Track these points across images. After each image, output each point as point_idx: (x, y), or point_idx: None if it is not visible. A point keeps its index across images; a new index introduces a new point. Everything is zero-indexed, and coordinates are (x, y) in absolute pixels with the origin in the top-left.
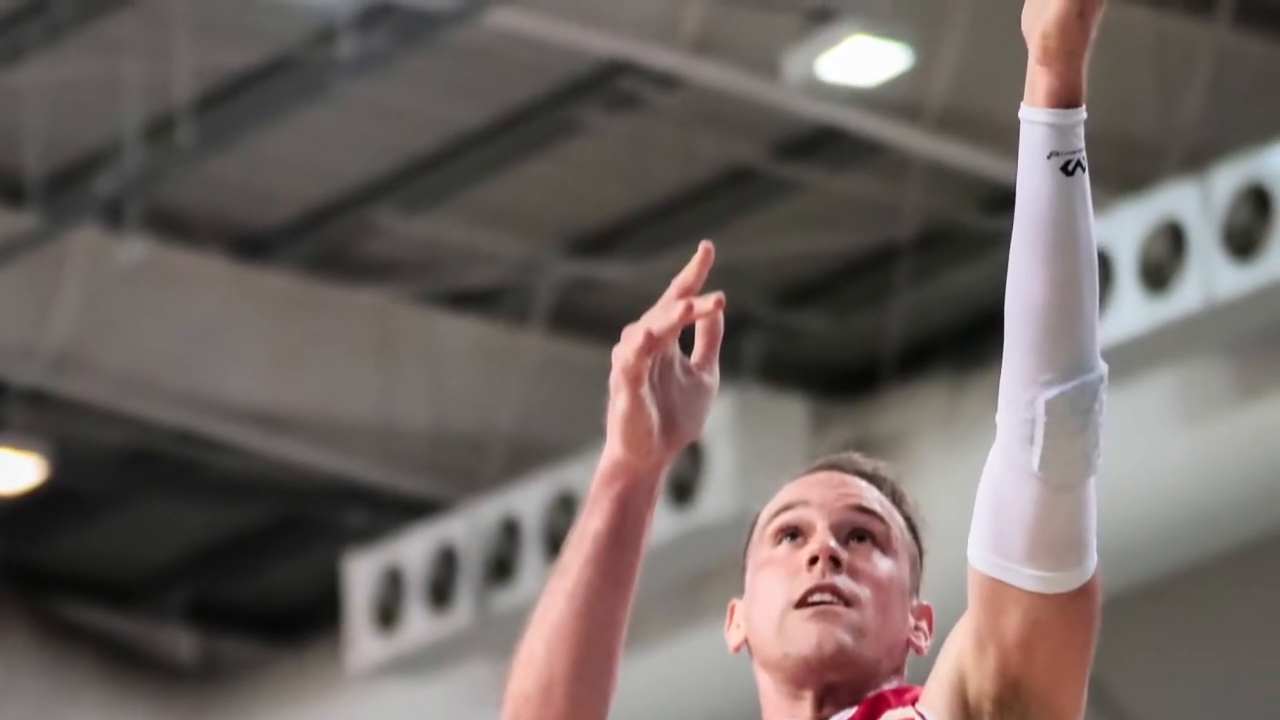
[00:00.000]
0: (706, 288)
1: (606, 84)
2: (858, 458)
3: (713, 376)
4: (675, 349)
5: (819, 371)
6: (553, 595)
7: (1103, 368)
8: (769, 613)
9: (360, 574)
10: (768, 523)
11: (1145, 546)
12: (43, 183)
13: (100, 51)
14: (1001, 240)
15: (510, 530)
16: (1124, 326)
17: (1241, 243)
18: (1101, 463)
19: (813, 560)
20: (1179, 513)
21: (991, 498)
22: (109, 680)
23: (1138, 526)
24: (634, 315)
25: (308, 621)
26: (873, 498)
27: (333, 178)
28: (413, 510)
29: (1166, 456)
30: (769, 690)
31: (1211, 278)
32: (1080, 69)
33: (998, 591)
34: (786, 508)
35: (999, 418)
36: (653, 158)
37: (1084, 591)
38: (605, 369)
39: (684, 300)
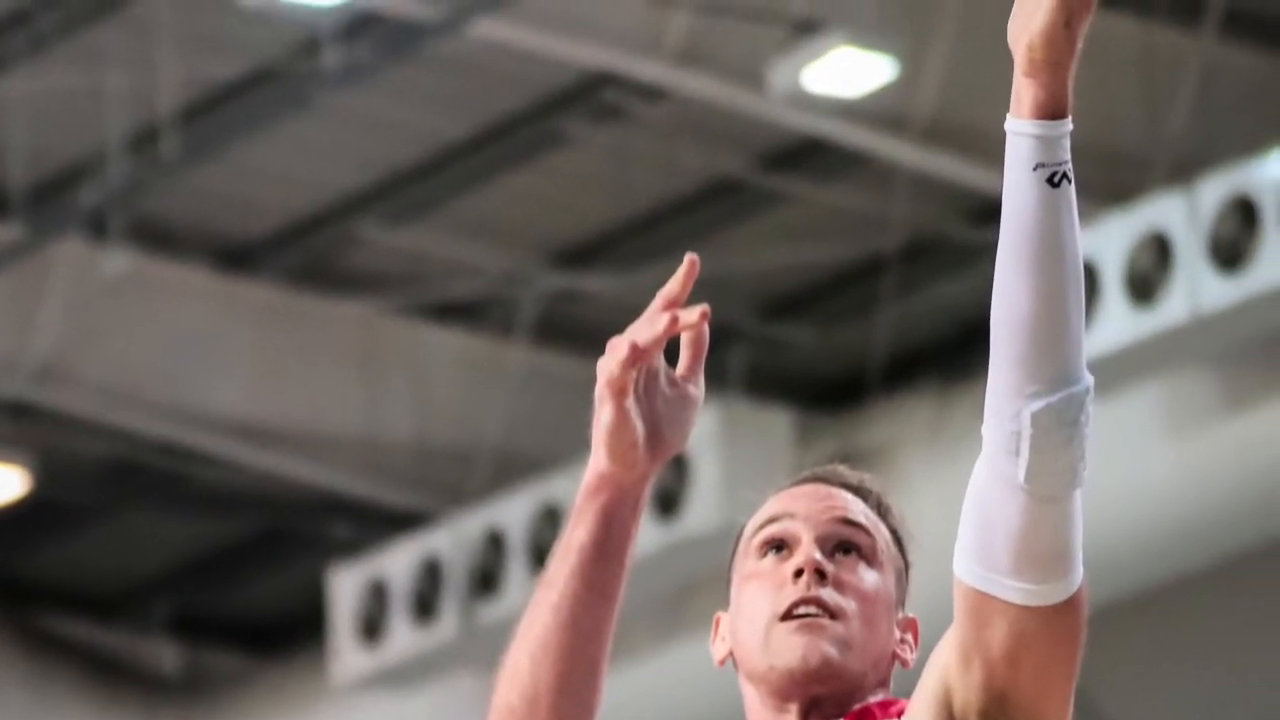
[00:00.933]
0: (691, 299)
1: (591, 95)
2: (843, 470)
3: (698, 388)
4: (660, 361)
5: (804, 383)
6: (537, 607)
7: (1089, 380)
8: (754, 625)
9: (345, 586)
10: (753, 535)
11: (1131, 558)
12: (27, 194)
13: (84, 62)
14: (987, 252)
15: (495, 542)
16: (1110, 338)
17: (1228, 254)
18: (1087, 475)
19: (798, 573)
20: (1165, 525)
21: (977, 510)
22: (93, 693)
23: (1124, 538)
24: (619, 327)
25: (292, 634)
26: (858, 510)
27: (317, 189)
28: (397, 522)
29: (1152, 469)
30: (754, 703)
31: (1198, 289)
32: (1066, 80)
33: (983, 604)
34: (772, 520)
35: (985, 430)
36: (637, 169)
37: (1070, 604)
38: (590, 381)
39: (669, 312)
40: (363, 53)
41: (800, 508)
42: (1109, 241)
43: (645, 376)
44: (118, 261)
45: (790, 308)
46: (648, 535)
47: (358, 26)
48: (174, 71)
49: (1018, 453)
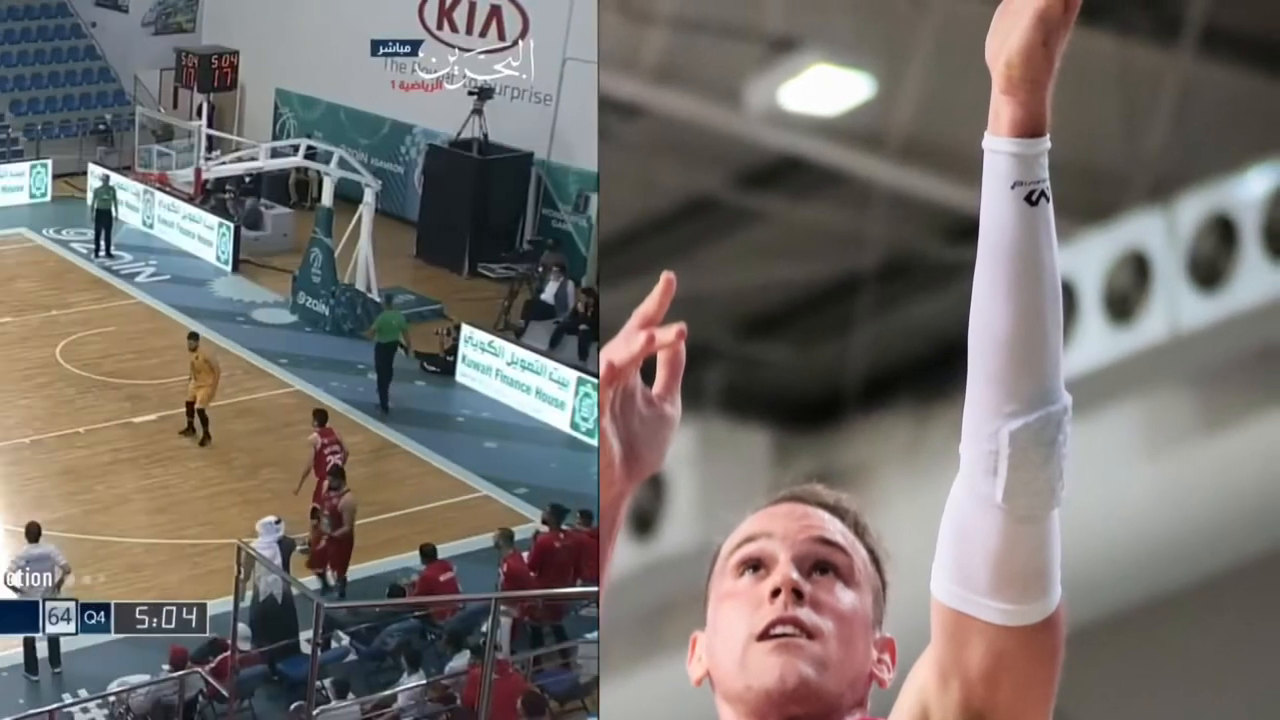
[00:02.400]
0: (668, 318)
1: None
2: (820, 489)
3: (675, 407)
4: (637, 380)
5: (781, 402)
6: None
7: (1067, 399)
8: (731, 645)
9: None
10: (730, 555)
11: (1110, 578)
12: None
13: None
14: (965, 270)
15: None
16: (1088, 357)
17: (1206, 273)
18: (1065, 494)
19: (775, 593)
20: (1144, 544)
21: (955, 529)
22: None
23: (1102, 558)
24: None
25: None
26: (836, 529)
27: None
28: None
29: (1131, 488)
30: None
31: (1176, 308)
32: (1044, 98)
33: (961, 623)
34: (749, 540)
35: (962, 449)
36: (614, 187)
37: (1048, 624)
38: None
39: (645, 330)
40: None
41: (777, 527)
42: (1087, 260)
43: (622, 396)
44: None
45: (767, 326)
46: (624, 555)
47: None
48: None
49: (995, 472)
